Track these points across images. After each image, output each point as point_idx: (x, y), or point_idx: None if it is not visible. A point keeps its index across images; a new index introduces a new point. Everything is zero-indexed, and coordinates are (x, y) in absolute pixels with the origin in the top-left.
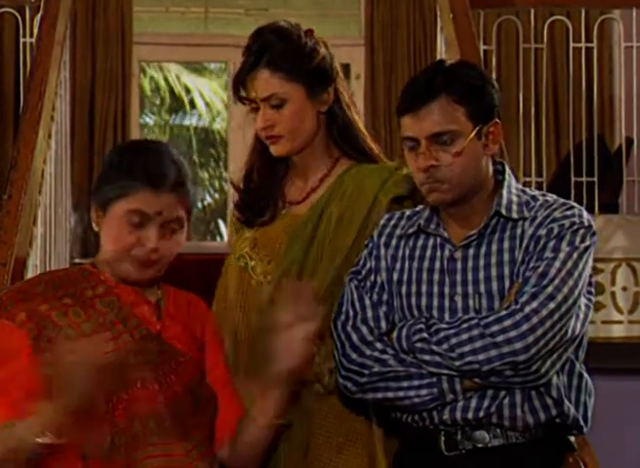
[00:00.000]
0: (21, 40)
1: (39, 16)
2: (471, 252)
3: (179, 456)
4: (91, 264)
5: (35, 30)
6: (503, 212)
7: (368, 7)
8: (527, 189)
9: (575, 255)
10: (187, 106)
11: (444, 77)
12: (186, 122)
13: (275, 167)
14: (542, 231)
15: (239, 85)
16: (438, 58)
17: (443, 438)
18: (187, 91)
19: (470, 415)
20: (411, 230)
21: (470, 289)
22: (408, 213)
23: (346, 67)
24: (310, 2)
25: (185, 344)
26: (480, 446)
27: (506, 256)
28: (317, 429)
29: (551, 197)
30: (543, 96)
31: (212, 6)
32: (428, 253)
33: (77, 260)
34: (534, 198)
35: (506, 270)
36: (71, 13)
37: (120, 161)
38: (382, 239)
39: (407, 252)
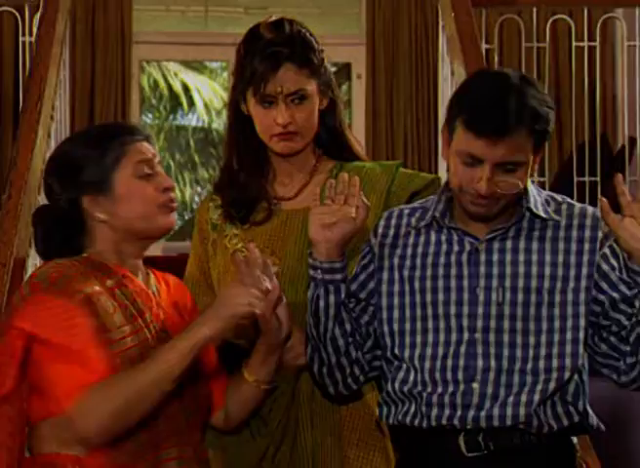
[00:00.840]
0: (21, 39)
1: (38, 15)
2: (496, 245)
3: (188, 459)
4: (87, 256)
5: (35, 29)
6: (534, 209)
7: (369, 5)
8: (539, 188)
9: None
10: (187, 105)
11: (525, 108)
12: (186, 121)
13: (259, 163)
14: (607, 250)
15: (260, 80)
16: (440, 57)
17: (463, 439)
18: (187, 90)
19: (497, 423)
20: (422, 223)
21: (495, 282)
22: (407, 211)
23: (347, 67)
24: (310, 0)
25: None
26: (502, 446)
27: (535, 257)
28: (344, 413)
29: (571, 201)
30: None
31: (211, 5)
32: (444, 247)
33: None
34: (552, 198)
35: (534, 270)
36: (71, 12)
37: (89, 139)
38: (386, 242)
39: (419, 249)
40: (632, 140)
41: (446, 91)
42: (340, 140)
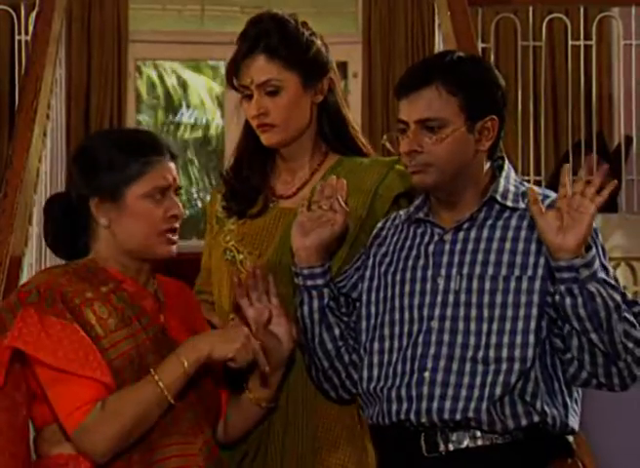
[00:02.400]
0: (17, 38)
1: (34, 13)
2: (461, 235)
3: (193, 456)
4: (90, 260)
5: (30, 28)
6: (498, 198)
7: (365, 4)
8: (526, 183)
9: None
10: (183, 104)
11: (442, 65)
12: (182, 120)
13: (264, 158)
14: None
15: (234, 70)
16: None
17: (423, 439)
18: (183, 89)
19: (447, 416)
20: (402, 219)
21: (454, 270)
22: (402, 212)
23: (344, 65)
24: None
25: (187, 337)
26: (461, 447)
27: (495, 245)
28: (320, 420)
29: (551, 194)
30: (542, 94)
31: (208, 4)
32: (417, 240)
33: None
34: None
35: (492, 257)
36: (67, 10)
37: (119, 144)
38: (376, 242)
39: (398, 245)
40: (628, 139)
41: None
42: (342, 135)
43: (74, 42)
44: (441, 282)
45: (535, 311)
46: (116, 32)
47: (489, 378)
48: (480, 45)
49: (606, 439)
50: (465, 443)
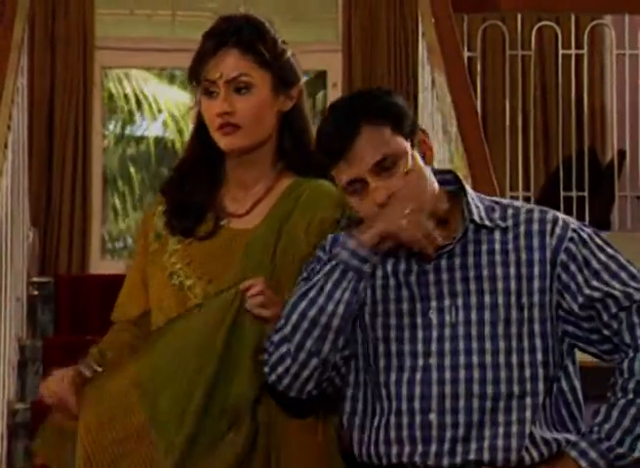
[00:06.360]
0: None
1: None
2: (444, 263)
3: None
4: None
5: None
6: (477, 220)
7: (346, 10)
8: (482, 195)
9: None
10: (152, 113)
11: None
12: (151, 129)
13: (211, 171)
14: (563, 256)
15: (200, 63)
16: (420, 65)
17: None
18: (152, 97)
19: (458, 459)
20: None
21: (447, 302)
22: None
23: (323, 74)
24: (284, 5)
25: None
26: None
27: (485, 272)
28: None
29: (518, 203)
30: (531, 105)
31: (179, 9)
32: (388, 267)
33: (35, 279)
34: (497, 203)
35: (486, 285)
36: (29, 15)
37: None
38: None
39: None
40: (622, 153)
41: (426, 101)
42: (304, 153)
43: (37, 49)
44: (433, 316)
45: (538, 342)
46: (81, 39)
47: (501, 417)
48: (466, 54)
49: None
50: None
